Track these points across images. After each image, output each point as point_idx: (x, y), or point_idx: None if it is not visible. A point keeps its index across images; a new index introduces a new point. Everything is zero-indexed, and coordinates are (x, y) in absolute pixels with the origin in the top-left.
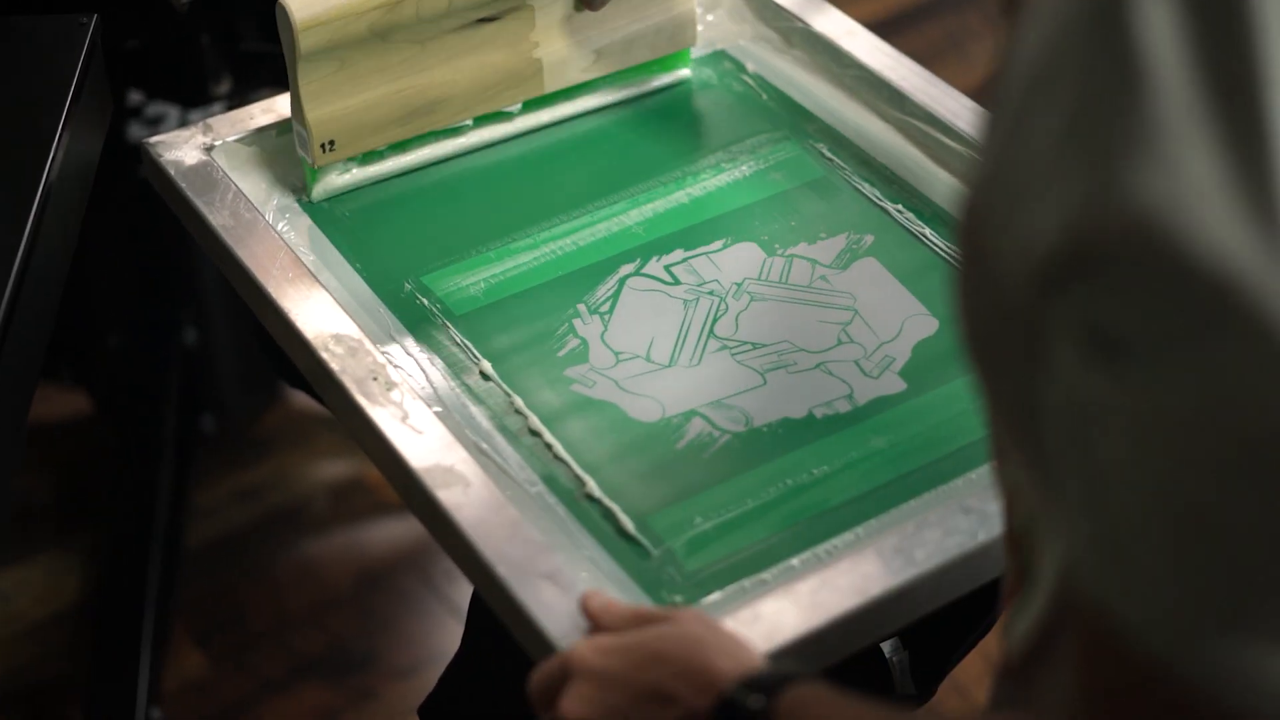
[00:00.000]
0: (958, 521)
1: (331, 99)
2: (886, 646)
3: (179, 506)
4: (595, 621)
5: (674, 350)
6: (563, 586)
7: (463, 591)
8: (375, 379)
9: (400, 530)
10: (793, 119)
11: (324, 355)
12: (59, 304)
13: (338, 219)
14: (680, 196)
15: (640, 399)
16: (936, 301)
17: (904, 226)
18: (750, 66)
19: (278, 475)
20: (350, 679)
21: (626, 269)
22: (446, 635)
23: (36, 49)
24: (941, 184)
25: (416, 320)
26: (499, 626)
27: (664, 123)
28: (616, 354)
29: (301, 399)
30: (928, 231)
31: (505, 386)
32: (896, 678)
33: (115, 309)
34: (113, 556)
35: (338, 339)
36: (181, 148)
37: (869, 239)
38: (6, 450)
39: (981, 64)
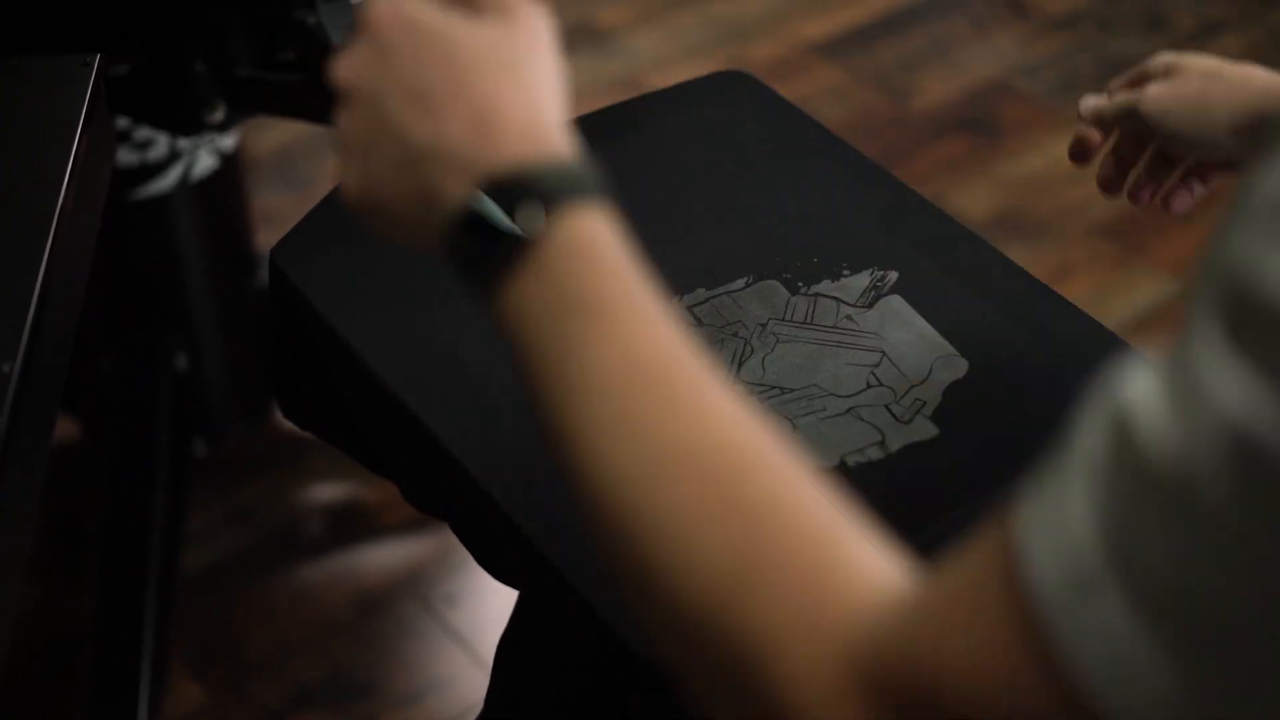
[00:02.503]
0: None
1: None
2: None
3: (173, 532)
4: None
5: None
6: None
7: (463, 616)
8: None
9: (398, 554)
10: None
11: None
12: (74, 342)
13: None
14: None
15: None
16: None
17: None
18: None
19: (271, 499)
20: (352, 707)
21: None
22: (448, 661)
23: (40, 91)
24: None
25: None
26: (528, 677)
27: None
28: None
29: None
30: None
31: None
32: None
33: (104, 334)
34: (108, 584)
35: None
36: None
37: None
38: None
39: (966, 69)
